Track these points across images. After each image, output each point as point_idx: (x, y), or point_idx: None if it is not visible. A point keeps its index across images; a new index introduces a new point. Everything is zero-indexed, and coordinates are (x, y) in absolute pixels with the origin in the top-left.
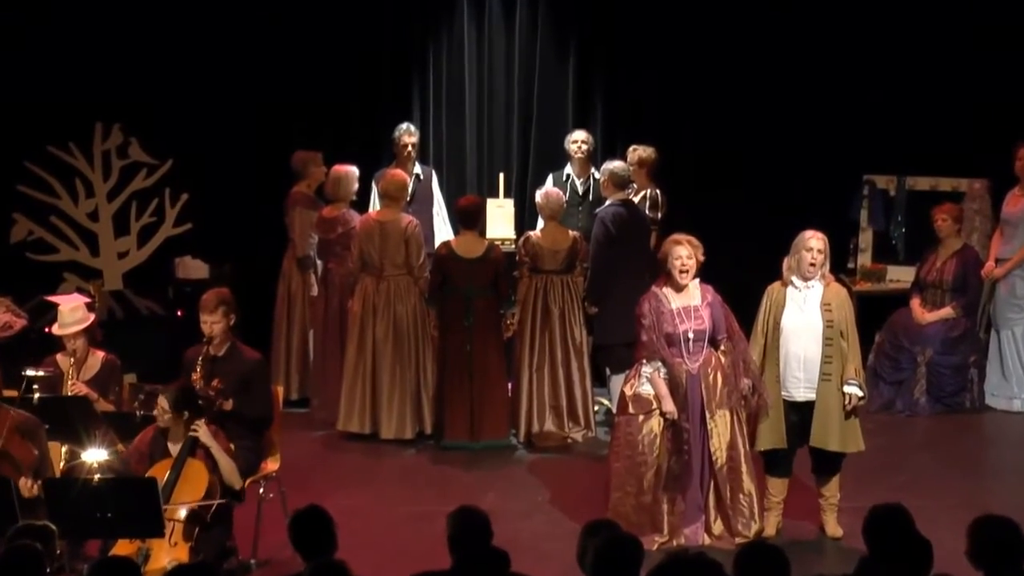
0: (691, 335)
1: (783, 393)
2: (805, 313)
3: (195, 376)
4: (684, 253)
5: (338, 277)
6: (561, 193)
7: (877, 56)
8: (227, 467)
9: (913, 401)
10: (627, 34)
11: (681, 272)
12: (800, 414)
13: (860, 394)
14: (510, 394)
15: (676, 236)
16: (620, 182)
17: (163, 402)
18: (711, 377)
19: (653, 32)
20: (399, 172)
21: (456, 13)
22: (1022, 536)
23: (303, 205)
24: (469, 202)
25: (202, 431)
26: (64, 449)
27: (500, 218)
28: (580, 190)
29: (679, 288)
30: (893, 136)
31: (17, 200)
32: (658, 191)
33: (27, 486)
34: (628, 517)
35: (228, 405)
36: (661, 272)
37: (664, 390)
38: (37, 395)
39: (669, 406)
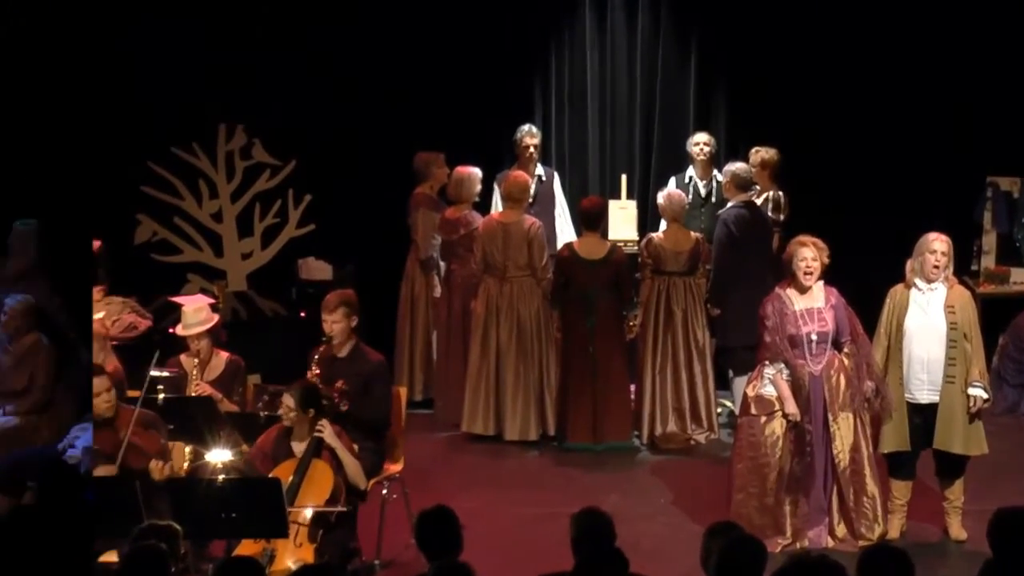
0: (814, 337)
1: (906, 395)
2: (928, 315)
3: (310, 374)
4: (809, 255)
5: (461, 278)
6: (683, 195)
7: (1000, 56)
8: (352, 468)
9: None
10: (749, 35)
11: (806, 274)
12: (923, 416)
13: (984, 396)
14: (633, 396)
15: (801, 238)
16: (742, 184)
17: (288, 400)
18: (834, 379)
19: (775, 33)
20: (521, 174)
21: (578, 13)
22: None
23: (426, 206)
24: (592, 203)
25: (327, 432)
26: (188, 449)
27: (622, 220)
28: (702, 192)
29: (803, 290)
30: (1017, 137)
31: (141, 201)
32: (780, 193)
33: (158, 467)
34: (751, 519)
35: (345, 406)
36: (785, 274)
37: (787, 391)
38: (161, 395)
39: (792, 408)
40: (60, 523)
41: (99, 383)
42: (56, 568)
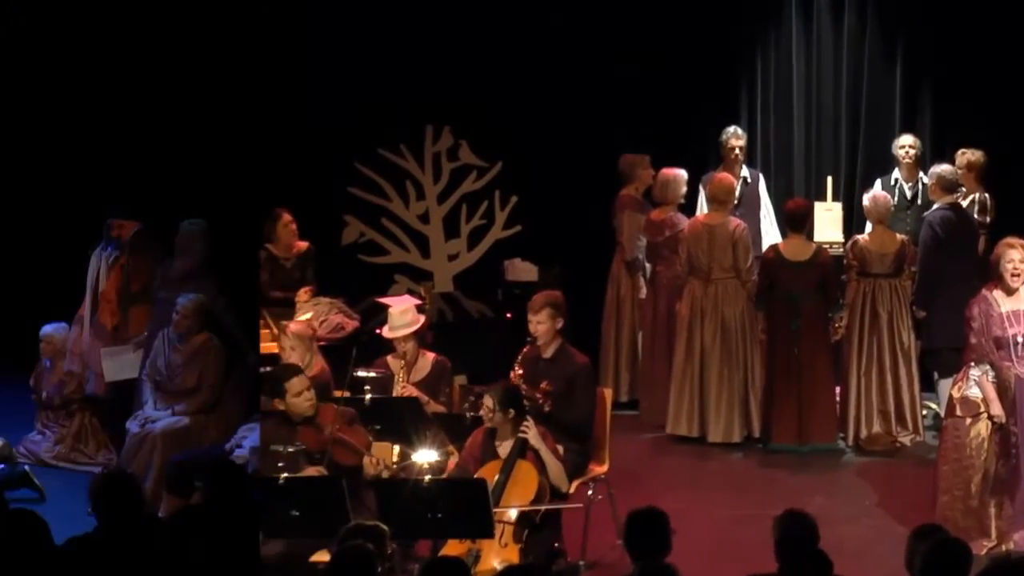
0: (1020, 339)
1: None
2: None
3: (514, 374)
4: (1017, 257)
5: (666, 280)
6: (888, 197)
7: None
8: (555, 469)
9: None
10: (956, 35)
11: (1013, 276)
12: None
13: None
14: (838, 398)
15: (1010, 239)
16: (948, 186)
17: (488, 401)
18: None
19: (982, 33)
20: (726, 175)
21: (784, 15)
22: None
23: (631, 208)
24: (797, 205)
25: (531, 433)
26: (395, 450)
27: (828, 221)
28: (908, 194)
29: (1010, 292)
30: None
31: (349, 202)
32: (987, 195)
33: (372, 462)
34: (956, 521)
35: (549, 407)
36: (992, 275)
37: (992, 393)
38: (368, 396)
39: (997, 409)
40: (228, 523)
41: (299, 382)
42: (224, 568)
